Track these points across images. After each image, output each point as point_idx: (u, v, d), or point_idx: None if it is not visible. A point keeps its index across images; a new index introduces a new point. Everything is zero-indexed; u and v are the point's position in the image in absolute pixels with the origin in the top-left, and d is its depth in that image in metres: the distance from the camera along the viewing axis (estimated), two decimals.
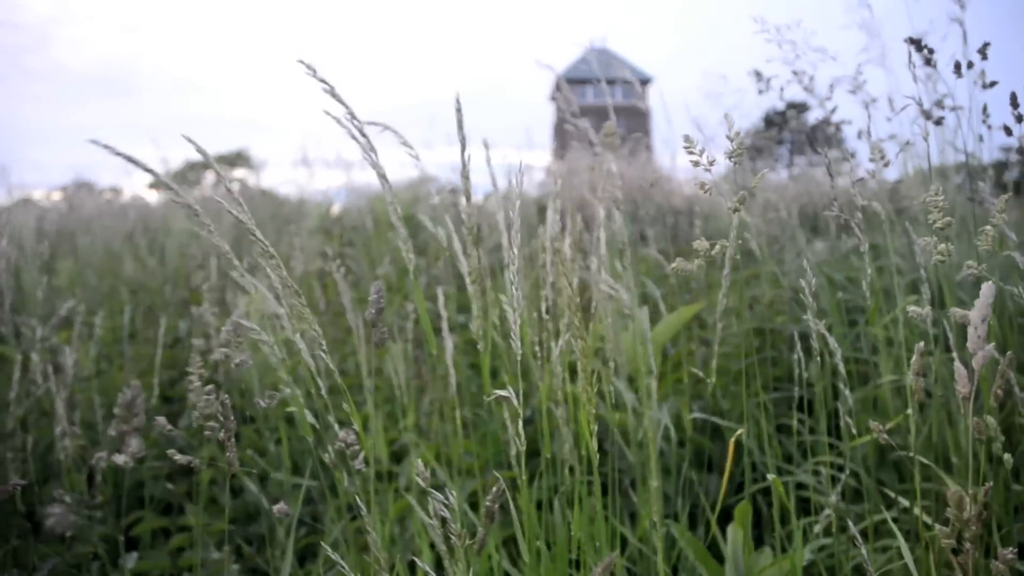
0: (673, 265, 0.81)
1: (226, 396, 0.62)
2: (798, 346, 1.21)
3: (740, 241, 0.88)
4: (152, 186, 7.04)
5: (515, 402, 0.59)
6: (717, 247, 0.80)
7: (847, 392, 1.14)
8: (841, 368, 1.08)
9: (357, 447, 0.89)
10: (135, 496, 1.94)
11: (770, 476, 1.32)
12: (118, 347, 2.44)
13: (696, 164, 0.80)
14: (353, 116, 0.90)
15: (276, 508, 0.85)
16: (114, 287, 3.02)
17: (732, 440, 1.01)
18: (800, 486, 1.59)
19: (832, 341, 1.07)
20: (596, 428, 0.86)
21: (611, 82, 1.24)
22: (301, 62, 0.85)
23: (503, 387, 0.71)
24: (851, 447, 1.60)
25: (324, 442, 1.87)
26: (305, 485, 1.58)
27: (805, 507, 1.62)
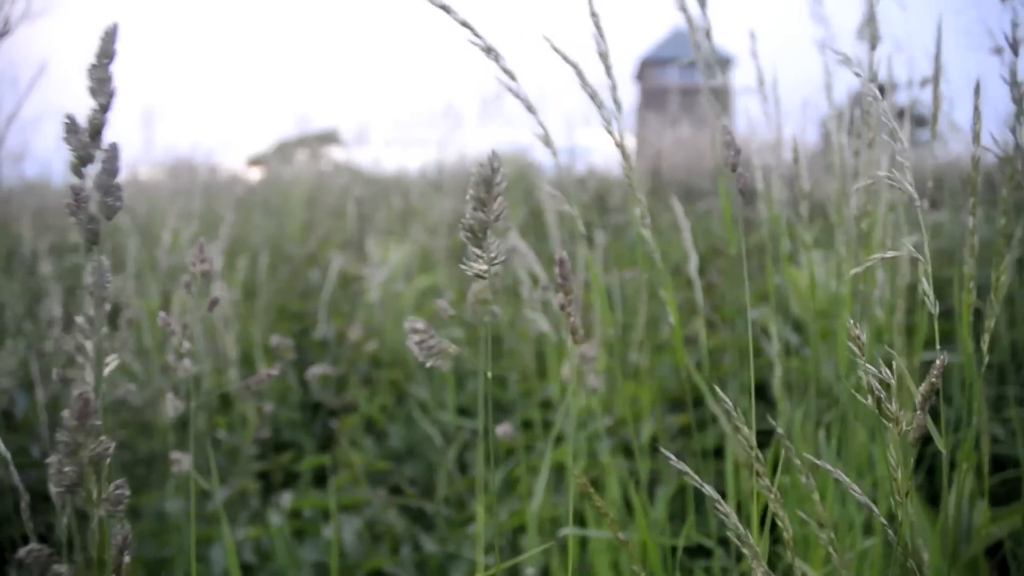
0: None
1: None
2: None
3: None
4: (251, 163, 7.20)
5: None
6: None
7: None
8: None
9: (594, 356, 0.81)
10: (270, 443, 1.94)
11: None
12: (248, 301, 2.45)
13: None
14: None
15: (500, 430, 0.78)
16: (233, 247, 3.07)
17: None
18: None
19: None
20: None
21: (693, 63, 1.14)
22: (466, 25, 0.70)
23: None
24: None
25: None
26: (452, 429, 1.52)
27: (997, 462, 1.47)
